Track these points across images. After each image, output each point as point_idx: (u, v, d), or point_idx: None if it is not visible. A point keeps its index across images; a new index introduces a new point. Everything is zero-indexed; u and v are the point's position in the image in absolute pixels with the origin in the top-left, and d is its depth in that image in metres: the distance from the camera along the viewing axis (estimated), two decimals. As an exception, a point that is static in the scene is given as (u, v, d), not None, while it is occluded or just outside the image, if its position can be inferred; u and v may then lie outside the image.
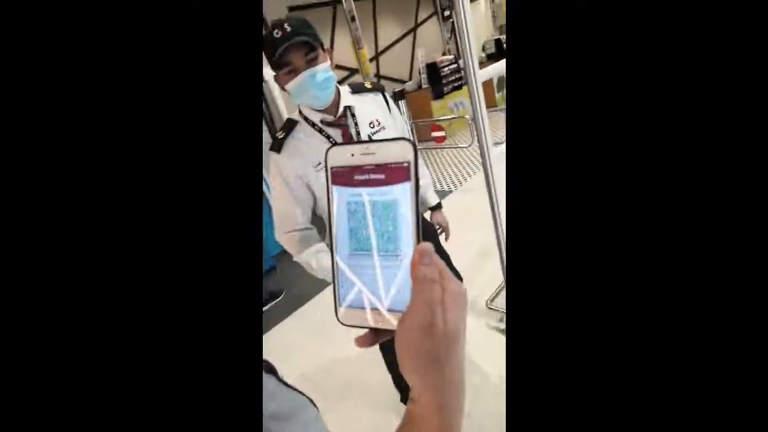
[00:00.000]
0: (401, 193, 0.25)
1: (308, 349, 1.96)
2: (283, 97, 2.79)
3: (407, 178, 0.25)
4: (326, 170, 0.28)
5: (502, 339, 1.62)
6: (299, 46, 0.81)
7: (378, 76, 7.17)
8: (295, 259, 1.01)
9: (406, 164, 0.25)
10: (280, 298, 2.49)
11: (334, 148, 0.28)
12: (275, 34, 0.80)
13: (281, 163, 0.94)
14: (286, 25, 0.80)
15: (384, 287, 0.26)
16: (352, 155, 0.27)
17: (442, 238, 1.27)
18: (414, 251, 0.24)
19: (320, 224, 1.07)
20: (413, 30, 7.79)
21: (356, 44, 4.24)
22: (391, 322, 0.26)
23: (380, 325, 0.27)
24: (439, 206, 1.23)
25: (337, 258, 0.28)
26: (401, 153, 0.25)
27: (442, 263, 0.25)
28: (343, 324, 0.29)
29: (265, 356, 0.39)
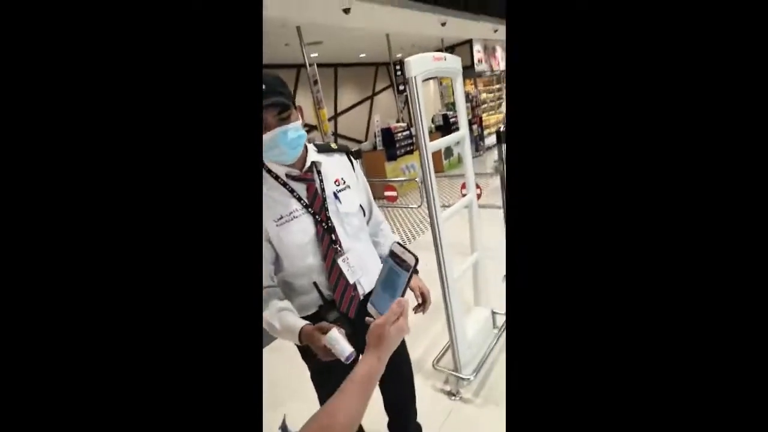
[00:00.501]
0: (405, 275, 0.60)
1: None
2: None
3: (408, 269, 0.60)
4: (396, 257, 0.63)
5: (446, 400, 1.59)
6: (273, 107, 0.82)
7: (335, 134, 7.50)
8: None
9: (411, 264, 0.60)
10: None
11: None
12: None
13: None
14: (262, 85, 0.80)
15: (381, 304, 0.63)
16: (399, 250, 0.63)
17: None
18: (400, 302, 0.59)
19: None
20: (371, 97, 8.46)
21: (317, 104, 4.48)
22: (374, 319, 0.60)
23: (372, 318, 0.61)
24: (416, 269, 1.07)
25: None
26: (411, 260, 0.60)
27: (406, 309, 0.59)
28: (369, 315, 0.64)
29: None
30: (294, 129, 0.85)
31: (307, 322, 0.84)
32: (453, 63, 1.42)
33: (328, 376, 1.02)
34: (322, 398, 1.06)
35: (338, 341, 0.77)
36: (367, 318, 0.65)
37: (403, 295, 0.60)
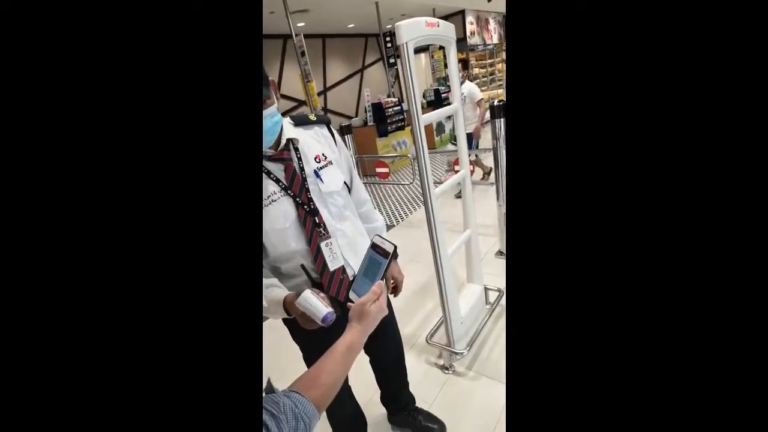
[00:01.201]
0: (384, 261, 0.66)
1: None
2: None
3: (387, 256, 0.65)
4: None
5: (439, 374, 1.62)
6: None
7: (325, 109, 7.30)
8: None
9: (389, 251, 0.65)
10: None
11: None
12: None
13: None
14: None
15: (361, 290, 0.67)
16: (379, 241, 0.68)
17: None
18: (379, 284, 0.65)
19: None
20: (360, 71, 8.19)
21: (305, 77, 4.31)
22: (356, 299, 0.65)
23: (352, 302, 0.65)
24: (395, 255, 0.91)
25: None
26: (390, 248, 0.65)
27: (385, 291, 0.66)
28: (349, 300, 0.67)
29: None
30: (269, 116, 0.77)
31: (292, 292, 0.80)
32: (446, 30, 1.35)
33: (319, 351, 1.02)
34: None
35: (310, 301, 0.73)
36: (348, 303, 0.67)
37: (382, 279, 0.65)
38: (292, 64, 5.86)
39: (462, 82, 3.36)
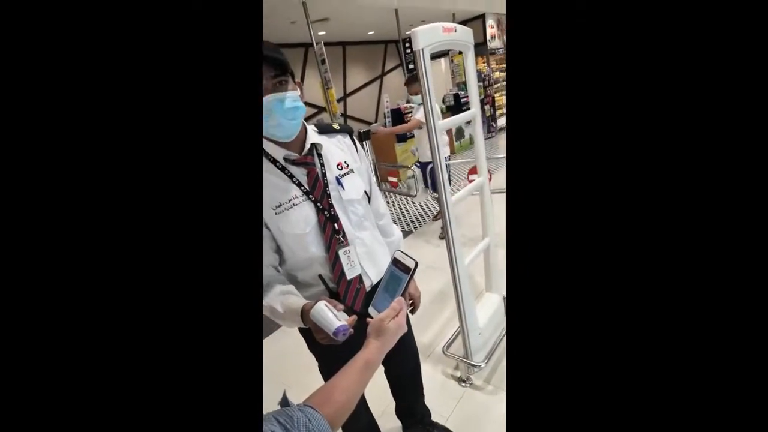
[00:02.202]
0: (405, 276, 0.67)
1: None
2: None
3: (408, 272, 0.66)
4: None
5: (456, 387, 1.57)
6: (267, 66, 0.73)
7: (345, 115, 7.39)
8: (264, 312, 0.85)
9: (411, 267, 0.66)
10: None
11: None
12: None
13: None
14: None
15: (381, 305, 0.68)
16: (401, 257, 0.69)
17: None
18: (399, 300, 0.65)
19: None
20: (380, 77, 8.25)
21: (325, 84, 4.37)
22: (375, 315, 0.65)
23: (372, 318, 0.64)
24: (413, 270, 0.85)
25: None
26: (411, 264, 0.66)
27: (404, 307, 0.66)
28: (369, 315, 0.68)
29: None
30: (291, 98, 0.77)
31: (310, 301, 0.77)
32: (464, 35, 1.32)
33: (334, 365, 1.00)
34: None
35: (323, 314, 0.70)
36: (367, 319, 0.65)
37: (402, 296, 0.65)
38: (313, 72, 5.97)
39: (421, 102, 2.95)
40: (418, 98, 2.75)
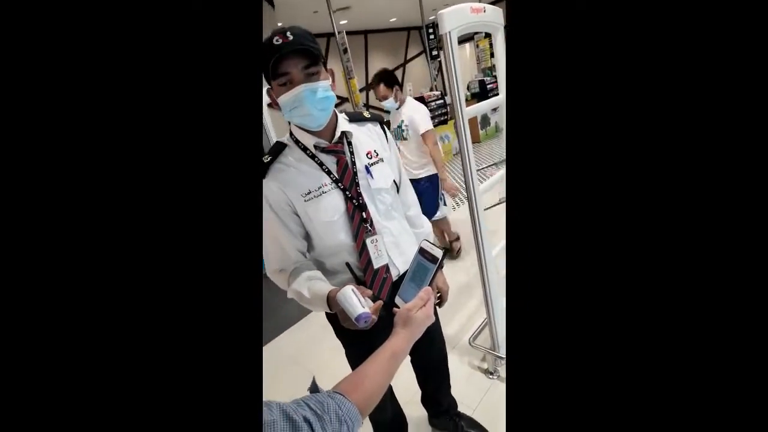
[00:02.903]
0: (432, 266, 0.65)
1: (286, 380, 1.84)
2: (273, 120, 2.74)
3: (435, 262, 0.64)
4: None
5: (483, 379, 1.55)
6: (299, 56, 0.73)
7: (367, 105, 7.35)
8: (289, 295, 0.87)
9: (438, 257, 0.64)
10: None
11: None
12: (275, 41, 0.71)
13: (267, 190, 0.82)
14: (288, 33, 0.71)
15: (408, 295, 0.67)
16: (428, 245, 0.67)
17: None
18: (426, 290, 0.64)
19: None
20: (403, 65, 8.13)
21: (347, 74, 4.35)
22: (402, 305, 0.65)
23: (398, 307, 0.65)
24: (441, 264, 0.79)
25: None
26: (439, 253, 0.64)
27: (432, 297, 0.65)
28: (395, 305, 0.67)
29: None
30: (323, 87, 0.76)
31: (337, 287, 0.78)
32: (494, 16, 1.26)
33: (361, 353, 1.02)
34: None
35: (348, 300, 0.69)
36: (394, 309, 0.64)
37: (430, 286, 0.63)
38: (335, 61, 5.96)
39: (397, 107, 2.20)
40: (388, 102, 2.19)
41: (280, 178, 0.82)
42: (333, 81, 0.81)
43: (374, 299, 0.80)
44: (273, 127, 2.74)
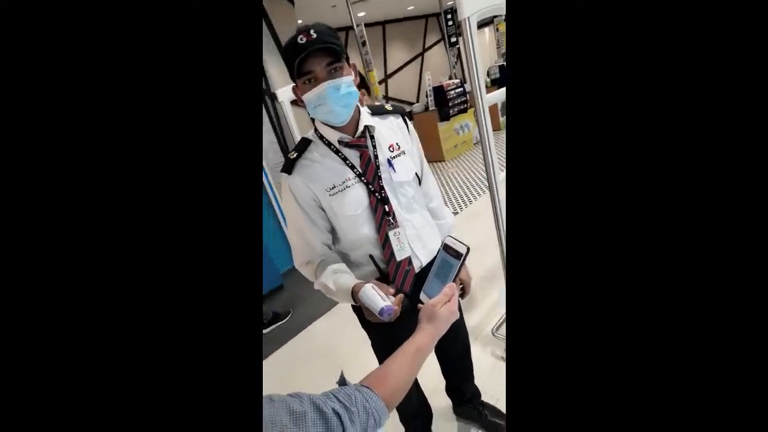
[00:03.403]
0: (456, 262, 0.65)
1: (315, 371, 1.90)
2: (296, 117, 2.79)
3: (459, 258, 0.65)
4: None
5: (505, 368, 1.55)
6: (323, 54, 0.74)
7: (386, 97, 7.31)
8: (315, 287, 0.91)
9: (462, 252, 0.65)
10: (287, 319, 2.42)
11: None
12: (299, 40, 0.73)
13: (293, 185, 0.85)
14: (311, 31, 0.72)
15: (432, 291, 0.67)
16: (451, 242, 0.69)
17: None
18: (450, 286, 0.64)
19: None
20: (421, 54, 8.00)
21: (366, 66, 4.34)
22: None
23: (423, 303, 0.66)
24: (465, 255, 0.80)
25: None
26: (463, 249, 0.65)
27: (456, 293, 0.65)
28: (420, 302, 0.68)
29: (267, 379, 0.40)
30: (347, 84, 0.77)
31: (361, 281, 0.81)
32: (514, -1, 1.22)
33: (385, 343, 1.04)
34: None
35: (369, 296, 0.73)
36: (419, 305, 0.65)
37: (454, 281, 0.64)
38: (354, 54, 5.95)
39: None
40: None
41: (306, 174, 0.85)
42: (355, 76, 0.82)
43: (397, 291, 0.82)
44: (296, 124, 2.79)
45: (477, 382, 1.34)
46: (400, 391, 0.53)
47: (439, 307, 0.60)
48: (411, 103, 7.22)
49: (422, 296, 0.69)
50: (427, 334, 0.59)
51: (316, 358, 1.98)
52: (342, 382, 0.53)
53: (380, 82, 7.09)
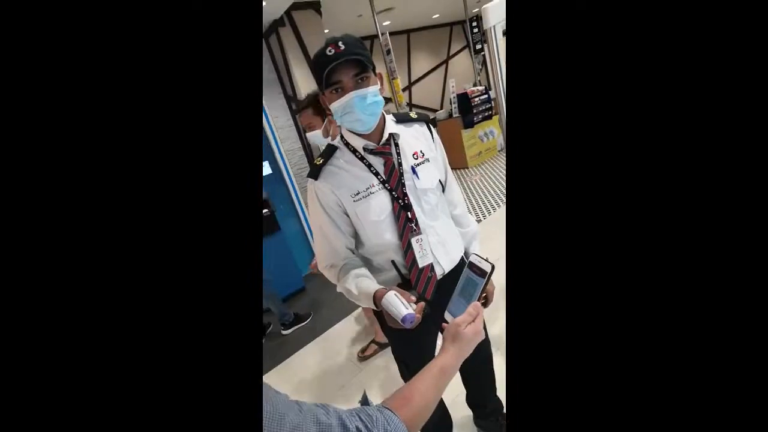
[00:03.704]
0: (481, 281, 0.65)
1: (335, 372, 1.92)
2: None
3: (484, 276, 0.64)
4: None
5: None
6: (350, 65, 0.76)
7: (410, 104, 7.35)
8: (338, 289, 0.93)
9: (487, 271, 0.65)
10: (307, 321, 2.45)
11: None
12: (328, 52, 0.75)
13: (319, 191, 0.87)
14: (340, 43, 0.75)
15: (457, 310, 0.67)
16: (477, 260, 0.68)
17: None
18: (475, 306, 0.63)
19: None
20: (445, 62, 8.00)
21: (390, 75, 4.39)
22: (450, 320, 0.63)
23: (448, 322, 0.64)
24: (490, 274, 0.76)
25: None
26: (488, 267, 0.65)
27: (481, 313, 0.63)
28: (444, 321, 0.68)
29: (288, 381, 0.41)
30: (372, 93, 0.80)
31: (383, 286, 0.82)
32: (541, 5, 1.21)
33: (405, 350, 1.04)
34: (402, 370, 1.08)
35: (392, 304, 0.73)
36: (443, 324, 0.65)
37: (478, 301, 0.63)
38: (378, 63, 6.03)
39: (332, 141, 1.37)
40: (315, 135, 1.57)
41: (332, 180, 0.87)
42: (381, 85, 0.84)
43: (419, 297, 0.82)
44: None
45: (499, 393, 1.30)
46: (423, 413, 0.53)
47: (463, 327, 0.59)
48: (434, 110, 7.23)
49: (447, 315, 0.68)
50: (451, 355, 0.57)
51: (336, 359, 1.99)
52: (364, 401, 0.53)
53: (404, 90, 7.14)
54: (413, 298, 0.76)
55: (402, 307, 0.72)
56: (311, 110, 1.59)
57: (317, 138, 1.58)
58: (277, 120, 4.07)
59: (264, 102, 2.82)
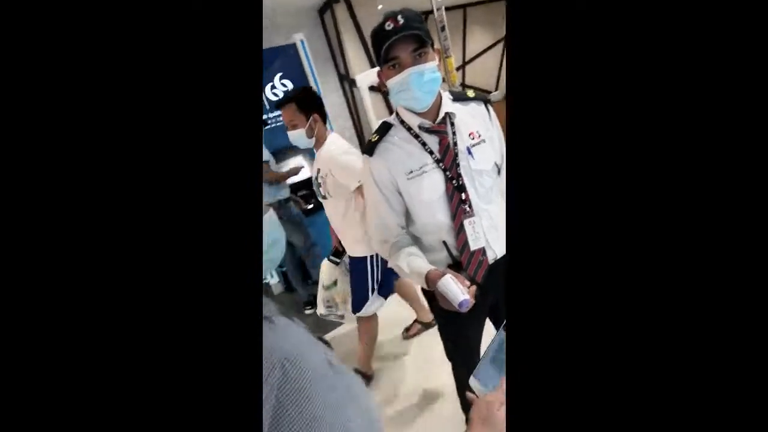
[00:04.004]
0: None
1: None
2: (373, 103, 2.85)
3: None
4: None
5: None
6: (408, 40, 0.75)
7: (463, 85, 7.06)
8: (389, 265, 0.94)
9: None
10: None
11: None
12: (386, 27, 0.74)
13: (374, 167, 0.87)
14: (399, 17, 0.74)
15: (486, 378, 0.60)
16: None
17: None
18: (501, 390, 0.53)
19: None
20: (503, 39, 7.51)
21: (444, 53, 4.23)
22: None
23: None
24: None
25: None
26: None
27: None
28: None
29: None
30: (430, 70, 0.78)
31: (435, 267, 0.82)
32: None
33: (450, 330, 1.04)
34: (449, 348, 1.09)
35: (449, 287, 0.74)
36: (468, 394, 0.59)
37: None
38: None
39: (318, 146, 1.46)
40: (298, 136, 1.40)
41: (386, 157, 0.87)
42: (440, 60, 0.81)
43: (470, 280, 0.81)
44: (373, 110, 2.87)
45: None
46: None
47: (496, 407, 0.51)
48: (488, 92, 6.88)
49: (472, 382, 0.60)
50: None
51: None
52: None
53: (458, 69, 6.85)
54: (467, 282, 0.75)
55: (459, 292, 0.73)
56: (294, 105, 1.39)
57: (301, 139, 1.42)
58: (328, 98, 4.13)
59: (318, 79, 2.85)
